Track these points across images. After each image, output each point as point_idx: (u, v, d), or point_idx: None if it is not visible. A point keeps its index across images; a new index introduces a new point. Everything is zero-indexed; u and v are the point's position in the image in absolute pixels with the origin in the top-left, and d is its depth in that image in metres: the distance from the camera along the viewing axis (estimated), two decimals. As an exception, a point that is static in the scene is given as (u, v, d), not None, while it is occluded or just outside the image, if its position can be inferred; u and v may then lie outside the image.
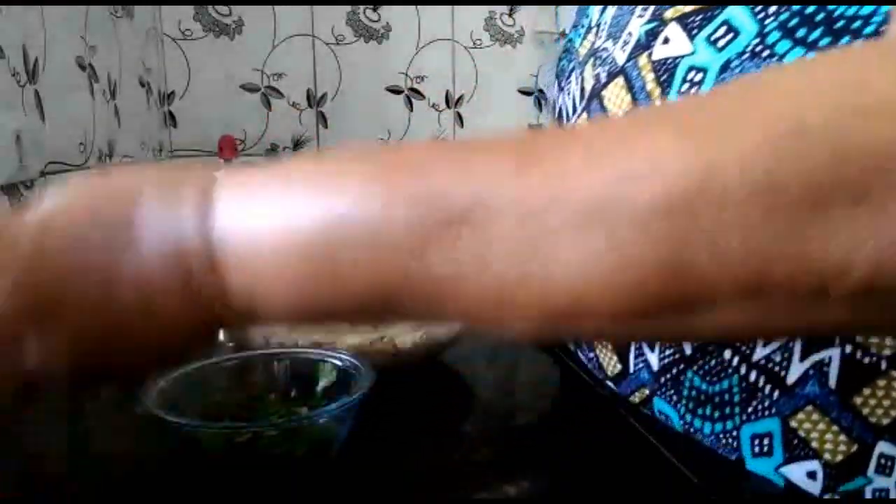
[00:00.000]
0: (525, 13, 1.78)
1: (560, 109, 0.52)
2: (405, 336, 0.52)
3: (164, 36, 1.58)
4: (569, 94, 0.48)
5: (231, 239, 0.25)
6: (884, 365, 0.32)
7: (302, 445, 0.38)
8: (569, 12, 1.76)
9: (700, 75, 0.35)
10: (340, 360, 0.45)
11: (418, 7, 1.69)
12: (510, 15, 1.78)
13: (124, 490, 0.40)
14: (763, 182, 0.20)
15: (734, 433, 0.37)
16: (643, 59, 0.39)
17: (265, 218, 0.24)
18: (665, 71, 0.37)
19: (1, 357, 0.25)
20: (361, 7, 1.68)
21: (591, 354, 0.48)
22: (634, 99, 0.39)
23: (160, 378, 0.41)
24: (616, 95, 0.41)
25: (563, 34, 1.76)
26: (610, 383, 0.47)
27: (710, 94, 0.31)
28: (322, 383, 0.45)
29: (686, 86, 0.36)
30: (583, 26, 0.49)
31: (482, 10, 1.76)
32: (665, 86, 0.37)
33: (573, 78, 0.48)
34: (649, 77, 0.38)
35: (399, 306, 0.25)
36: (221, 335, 0.67)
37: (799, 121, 0.20)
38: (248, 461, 0.37)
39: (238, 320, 0.27)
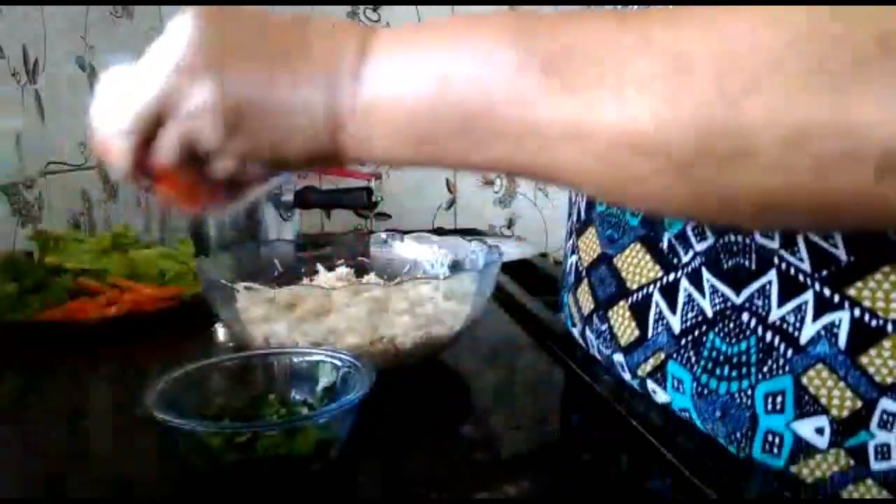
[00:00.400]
0: (525, 13, 1.78)
1: None
2: (405, 336, 0.52)
3: (164, 36, 1.59)
4: None
5: (375, 80, 0.32)
6: (890, 328, 0.35)
7: (302, 445, 0.38)
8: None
9: None
10: (340, 360, 0.45)
11: (418, 7, 1.69)
12: (510, 15, 1.78)
13: (124, 490, 0.40)
14: (807, 52, 0.25)
15: (749, 391, 0.39)
16: None
17: (406, 65, 0.32)
18: None
19: (175, 88, 0.33)
20: (361, 7, 1.68)
21: (604, 327, 0.48)
22: None
23: (160, 378, 0.41)
24: None
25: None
26: (619, 356, 0.47)
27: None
28: (322, 383, 0.45)
29: None
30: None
31: (482, 11, 1.76)
32: None
33: None
34: None
35: (494, 139, 0.31)
36: (221, 335, 0.67)
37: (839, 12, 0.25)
38: (248, 461, 0.37)
39: (358, 140, 0.33)
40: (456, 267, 0.67)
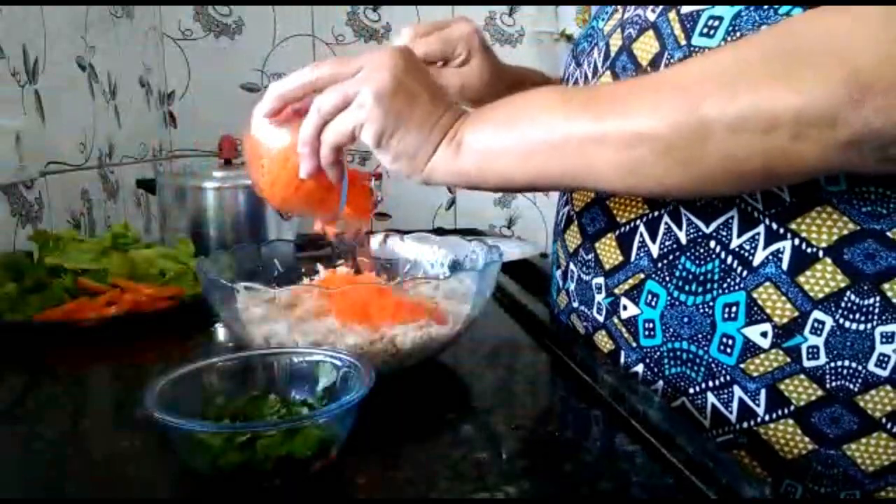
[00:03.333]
0: (525, 13, 1.78)
1: (575, 82, 0.60)
2: (405, 336, 0.52)
3: (164, 36, 1.58)
4: (589, 64, 0.58)
5: (466, 133, 0.49)
6: (821, 254, 0.45)
7: (302, 445, 0.38)
8: (569, 12, 1.76)
9: (717, 22, 0.46)
10: (340, 360, 0.45)
11: (418, 7, 1.69)
12: (510, 15, 1.78)
13: (124, 490, 0.40)
14: (737, 70, 0.39)
15: (711, 303, 0.48)
16: (672, 14, 0.49)
17: (488, 131, 0.48)
18: (690, 20, 0.48)
19: (370, 62, 0.49)
20: (361, 7, 1.68)
21: (590, 256, 0.57)
22: (663, 45, 0.49)
23: (160, 378, 0.41)
24: (646, 44, 0.51)
25: (562, 34, 1.76)
26: (600, 279, 0.55)
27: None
28: (322, 383, 0.45)
29: (706, 30, 0.47)
30: (606, 12, 0.58)
31: (482, 10, 1.76)
32: (689, 31, 0.48)
33: (595, 51, 0.57)
34: (676, 26, 0.48)
35: (544, 153, 0.45)
36: (221, 335, 0.67)
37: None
38: (248, 461, 0.37)
39: (441, 160, 0.49)
40: (456, 267, 0.67)
